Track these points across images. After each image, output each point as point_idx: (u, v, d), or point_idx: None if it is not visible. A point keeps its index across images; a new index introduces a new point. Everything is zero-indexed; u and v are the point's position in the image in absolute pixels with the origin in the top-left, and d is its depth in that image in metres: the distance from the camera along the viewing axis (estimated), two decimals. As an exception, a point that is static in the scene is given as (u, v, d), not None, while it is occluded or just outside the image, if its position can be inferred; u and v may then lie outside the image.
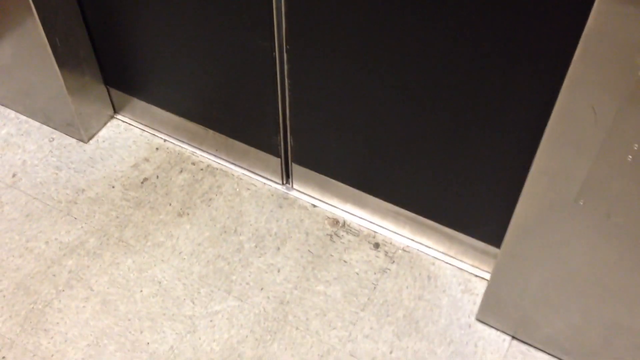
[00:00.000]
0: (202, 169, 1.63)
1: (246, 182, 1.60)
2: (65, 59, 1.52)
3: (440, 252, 1.46)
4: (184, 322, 1.36)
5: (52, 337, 1.34)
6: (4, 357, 1.31)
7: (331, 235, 1.50)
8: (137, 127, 1.73)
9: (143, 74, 1.57)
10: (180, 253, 1.47)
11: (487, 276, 1.40)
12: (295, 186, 1.58)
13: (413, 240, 1.47)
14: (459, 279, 1.42)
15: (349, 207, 1.52)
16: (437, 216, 1.39)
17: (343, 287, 1.41)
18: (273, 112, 1.40)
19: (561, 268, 1.11)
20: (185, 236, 1.50)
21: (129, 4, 1.40)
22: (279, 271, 1.44)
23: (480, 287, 1.40)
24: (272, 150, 1.51)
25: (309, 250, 1.47)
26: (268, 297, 1.40)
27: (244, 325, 1.36)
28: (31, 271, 1.44)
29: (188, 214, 1.54)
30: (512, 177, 1.17)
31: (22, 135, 1.72)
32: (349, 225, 1.51)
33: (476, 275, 1.42)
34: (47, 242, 1.49)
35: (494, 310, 1.30)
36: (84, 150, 1.68)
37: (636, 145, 0.88)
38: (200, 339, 1.34)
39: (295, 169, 1.53)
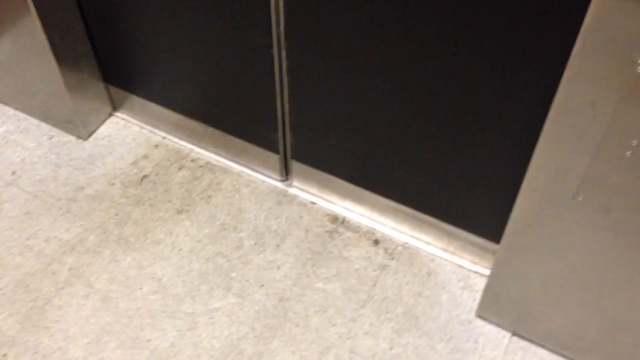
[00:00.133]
0: (201, 166, 1.63)
1: (245, 179, 1.60)
2: (63, 56, 1.52)
3: (439, 248, 1.46)
4: (184, 319, 1.36)
5: (52, 335, 1.34)
6: (5, 355, 1.32)
7: (331, 232, 1.50)
8: (136, 124, 1.73)
9: (142, 71, 1.57)
10: (180, 250, 1.47)
11: (487, 272, 1.40)
12: (294, 183, 1.58)
13: (412, 236, 1.47)
14: (458, 275, 1.42)
15: (348, 203, 1.52)
16: (436, 212, 1.39)
17: (343, 283, 1.41)
18: (272, 108, 1.40)
19: (561, 264, 1.11)
20: (185, 233, 1.50)
21: (127, 0, 1.40)
22: (278, 268, 1.44)
23: (480, 284, 1.40)
24: (271, 147, 1.51)
25: (308, 247, 1.47)
26: (268, 294, 1.40)
27: (244, 322, 1.36)
28: (31, 269, 1.44)
29: (187, 211, 1.54)
30: (511, 173, 1.17)
31: (21, 132, 1.72)
32: (348, 222, 1.51)
33: (476, 272, 1.42)
34: (46, 240, 1.49)
35: (494, 307, 1.30)
36: (83, 148, 1.68)
37: (635, 140, 0.88)
38: (200, 336, 1.34)
39: (295, 165, 1.53)
